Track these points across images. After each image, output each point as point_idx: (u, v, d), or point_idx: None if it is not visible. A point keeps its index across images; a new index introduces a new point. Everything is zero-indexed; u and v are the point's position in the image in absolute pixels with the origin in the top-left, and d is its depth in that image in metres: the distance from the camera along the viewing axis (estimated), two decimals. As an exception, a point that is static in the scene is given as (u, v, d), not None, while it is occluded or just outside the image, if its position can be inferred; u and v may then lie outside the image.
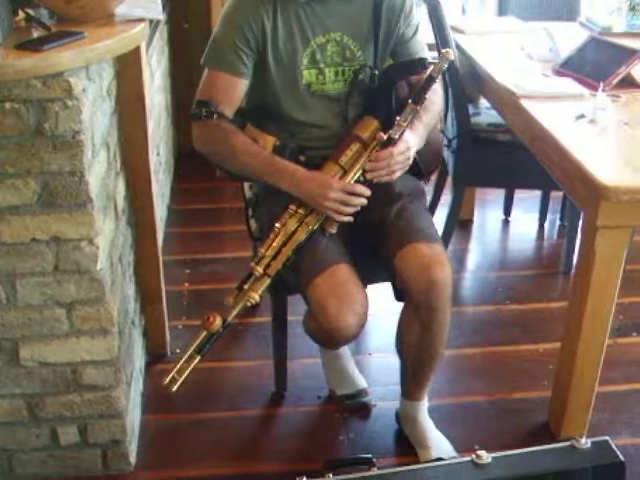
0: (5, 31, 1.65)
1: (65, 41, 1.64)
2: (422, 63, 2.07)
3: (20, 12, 1.78)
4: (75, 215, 1.81)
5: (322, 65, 2.07)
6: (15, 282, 1.86)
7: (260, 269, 1.94)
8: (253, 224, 2.35)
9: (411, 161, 2.03)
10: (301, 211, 1.98)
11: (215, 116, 2.01)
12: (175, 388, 1.89)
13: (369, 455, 1.76)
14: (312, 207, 1.97)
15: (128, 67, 2.21)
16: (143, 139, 2.33)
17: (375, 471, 1.70)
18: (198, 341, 1.91)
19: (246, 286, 1.95)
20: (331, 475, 1.68)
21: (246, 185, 2.41)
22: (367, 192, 1.97)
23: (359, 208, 1.98)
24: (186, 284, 3.15)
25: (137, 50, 2.13)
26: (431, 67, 2.01)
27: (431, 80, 2.00)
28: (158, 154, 3.37)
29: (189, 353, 1.91)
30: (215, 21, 3.70)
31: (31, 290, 1.88)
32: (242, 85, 2.06)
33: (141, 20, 1.88)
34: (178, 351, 2.69)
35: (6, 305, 1.89)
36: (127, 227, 2.34)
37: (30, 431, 2.07)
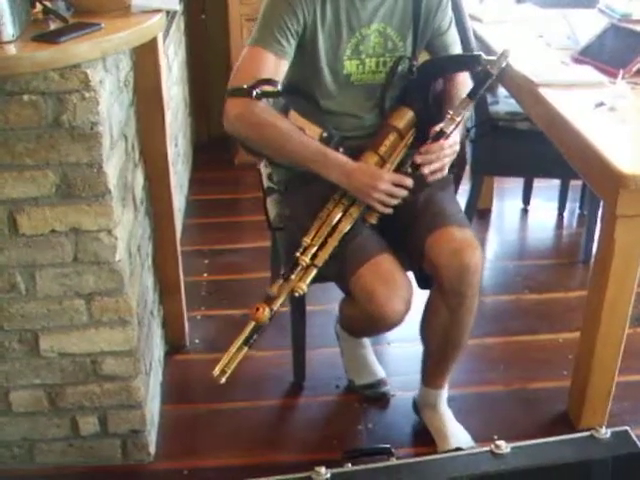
0: (22, 23, 1.65)
1: (82, 33, 1.64)
2: (477, 59, 2.06)
3: (37, 4, 1.79)
4: (94, 206, 1.82)
5: (363, 56, 2.07)
6: (34, 273, 1.88)
7: (307, 259, 1.93)
8: (272, 213, 2.34)
9: (456, 155, 2.02)
10: (345, 201, 1.97)
11: (264, 99, 1.96)
12: (224, 380, 1.88)
13: (388, 445, 1.76)
14: (357, 198, 1.96)
15: (145, 58, 2.21)
16: (161, 130, 2.34)
17: (394, 461, 1.69)
18: (247, 332, 1.90)
19: (293, 276, 1.93)
20: (350, 465, 1.67)
21: (264, 174, 2.41)
22: (412, 184, 1.96)
23: (400, 200, 1.98)
24: (205, 274, 3.16)
25: (154, 41, 2.13)
26: (488, 64, 1.99)
27: (488, 77, 1.98)
28: (176, 145, 3.38)
29: (238, 345, 1.89)
30: (233, 12, 3.76)
31: (50, 281, 1.89)
32: (285, 67, 2.02)
33: (158, 11, 1.88)
34: (197, 341, 2.70)
35: (26, 296, 1.90)
36: (145, 218, 2.35)
37: (50, 421, 2.09)
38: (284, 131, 1.98)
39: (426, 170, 1.96)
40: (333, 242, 1.95)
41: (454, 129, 1.97)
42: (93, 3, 1.80)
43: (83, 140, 1.74)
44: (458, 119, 1.97)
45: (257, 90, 1.95)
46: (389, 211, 1.98)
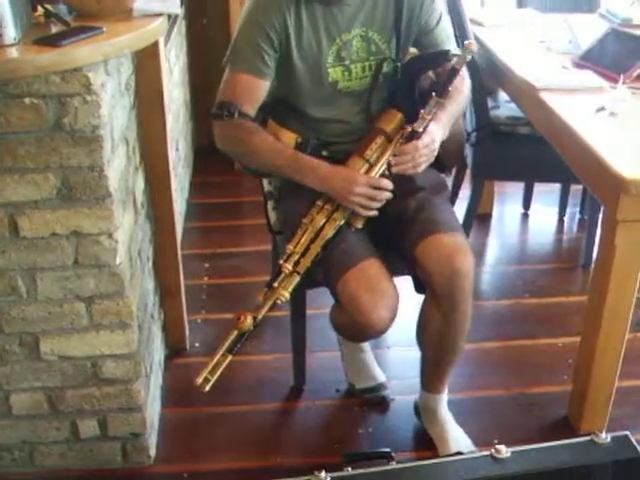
0: (24, 27, 1.66)
1: (84, 36, 1.65)
2: (444, 55, 2.04)
3: (39, 8, 1.79)
4: (94, 209, 1.82)
5: (348, 62, 2.05)
6: (35, 276, 1.88)
7: (289, 266, 1.93)
8: (273, 217, 2.34)
9: (436, 153, 2.01)
10: (328, 207, 1.97)
11: (236, 116, 1.98)
12: (208, 388, 1.89)
13: (388, 449, 1.76)
14: (338, 202, 1.96)
15: (147, 62, 2.21)
16: (162, 133, 2.34)
17: (394, 465, 1.69)
18: (229, 341, 1.91)
19: (275, 284, 1.93)
20: (350, 469, 1.67)
21: (265, 179, 2.41)
22: (391, 185, 1.96)
23: (385, 202, 1.97)
24: (205, 278, 3.16)
25: (155, 45, 2.14)
26: (454, 59, 1.99)
27: (454, 72, 1.97)
28: (177, 149, 3.38)
29: (221, 353, 1.90)
30: (234, 16, 3.77)
31: (51, 284, 1.89)
32: (264, 86, 2.03)
33: (159, 15, 1.88)
34: (197, 345, 2.70)
35: (26, 299, 1.90)
36: (146, 221, 2.35)
37: (51, 424, 2.09)
38: (255, 144, 2.02)
39: (396, 169, 1.96)
40: (316, 248, 1.95)
41: (425, 127, 1.96)
42: (95, 7, 1.80)
43: (84, 143, 1.74)
44: (429, 117, 1.96)
45: (225, 111, 1.98)
46: (373, 214, 1.98)
